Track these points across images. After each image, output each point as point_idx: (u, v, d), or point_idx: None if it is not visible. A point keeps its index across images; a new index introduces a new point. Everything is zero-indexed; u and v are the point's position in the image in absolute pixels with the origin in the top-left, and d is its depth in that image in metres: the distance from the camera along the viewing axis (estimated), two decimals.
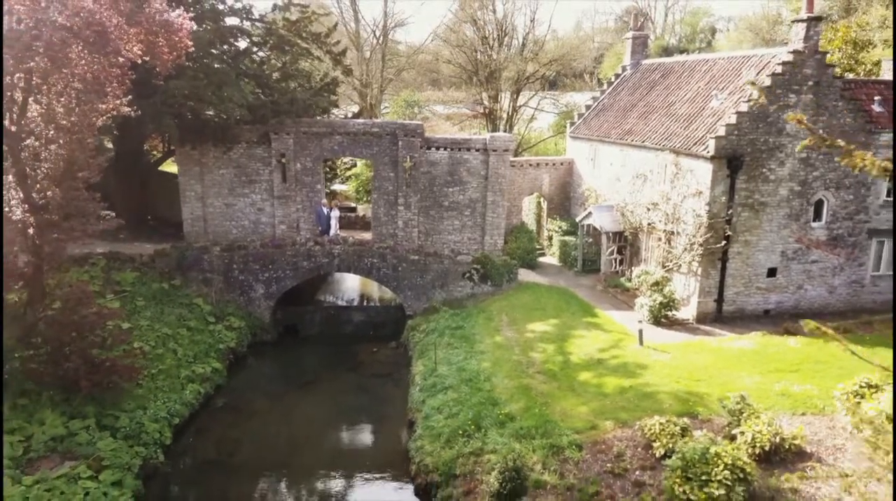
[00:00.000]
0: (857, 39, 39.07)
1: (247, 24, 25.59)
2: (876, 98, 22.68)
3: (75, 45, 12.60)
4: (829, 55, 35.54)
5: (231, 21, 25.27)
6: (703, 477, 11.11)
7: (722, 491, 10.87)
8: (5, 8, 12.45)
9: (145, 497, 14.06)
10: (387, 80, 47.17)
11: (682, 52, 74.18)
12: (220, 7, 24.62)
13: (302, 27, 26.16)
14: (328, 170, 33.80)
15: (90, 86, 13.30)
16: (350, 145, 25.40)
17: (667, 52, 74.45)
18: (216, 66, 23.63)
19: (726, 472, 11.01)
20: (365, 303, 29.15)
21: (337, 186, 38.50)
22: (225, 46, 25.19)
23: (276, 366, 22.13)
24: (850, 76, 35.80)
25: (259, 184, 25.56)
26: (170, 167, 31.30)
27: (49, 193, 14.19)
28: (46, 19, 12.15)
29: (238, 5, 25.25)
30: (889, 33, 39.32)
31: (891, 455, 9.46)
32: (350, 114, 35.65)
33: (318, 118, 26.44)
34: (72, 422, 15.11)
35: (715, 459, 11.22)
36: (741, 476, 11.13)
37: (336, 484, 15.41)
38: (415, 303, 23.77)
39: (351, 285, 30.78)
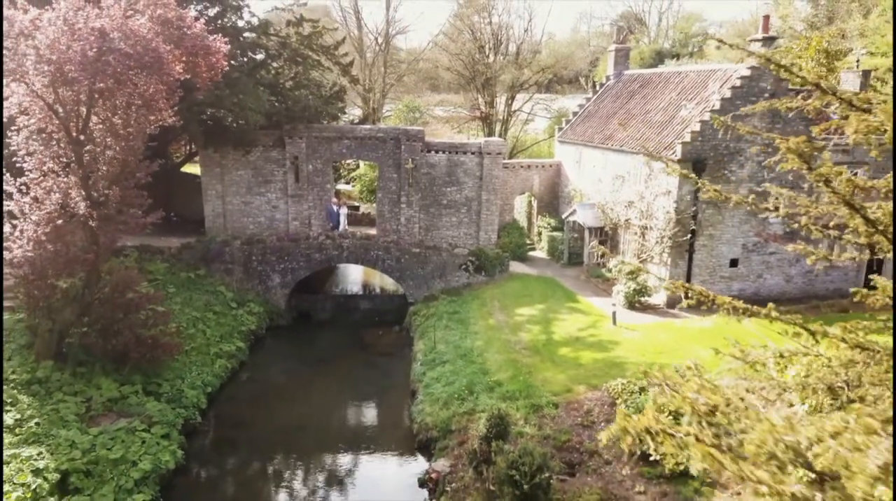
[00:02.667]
0: (830, 49, 41.35)
1: (263, 38, 28.08)
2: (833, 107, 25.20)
3: (136, 68, 15.13)
4: (804, 64, 37.90)
5: (249, 35, 27.79)
6: None
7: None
8: (74, 35, 14.99)
9: (188, 448, 16.61)
10: (388, 86, 49.71)
11: (674, 56, 76.71)
12: (240, 24, 27.16)
13: (313, 41, 28.74)
14: (333, 171, 36.31)
15: (145, 101, 15.84)
16: (357, 149, 27.93)
17: (660, 56, 77.01)
18: (236, 76, 26.10)
19: (670, 417, 13.55)
20: (370, 292, 31.70)
21: (341, 186, 41.00)
22: (244, 58, 27.70)
23: (291, 347, 24.65)
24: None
25: (274, 183, 28.08)
26: (189, 168, 33.83)
27: (107, 192, 16.71)
28: (113, 48, 14.69)
29: (255, 21, 27.81)
30: (869, 41, 41.80)
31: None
32: (356, 120, 38.15)
33: (329, 124, 28.98)
34: (123, 388, 17.65)
35: (661, 407, 13.77)
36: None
37: (346, 443, 17.90)
38: (416, 292, 26.32)
39: (356, 277, 33.34)
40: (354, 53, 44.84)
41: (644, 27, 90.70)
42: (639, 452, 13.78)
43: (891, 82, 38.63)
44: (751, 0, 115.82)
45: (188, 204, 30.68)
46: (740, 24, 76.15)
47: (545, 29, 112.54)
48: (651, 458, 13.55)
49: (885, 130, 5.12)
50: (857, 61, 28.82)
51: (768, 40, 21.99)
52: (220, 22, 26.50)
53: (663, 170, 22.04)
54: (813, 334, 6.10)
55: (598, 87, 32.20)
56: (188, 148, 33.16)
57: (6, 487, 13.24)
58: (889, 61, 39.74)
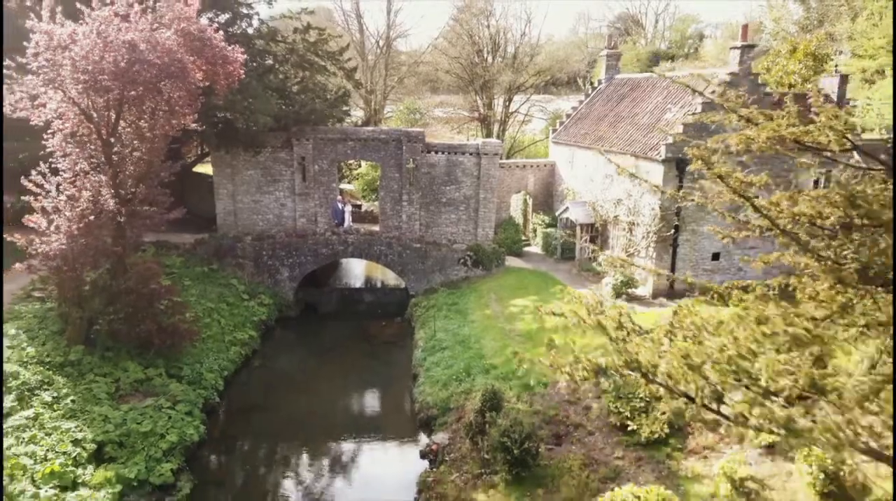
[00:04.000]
0: (817, 53, 42.76)
1: (272, 44, 29.59)
2: (813, 109, 26.81)
3: (163, 77, 16.65)
4: (789, 67, 39.32)
5: (259, 42, 29.29)
6: (629, 396, 15.20)
7: (641, 405, 14.96)
8: (107, 47, 16.47)
9: (208, 424, 18.14)
10: (389, 88, 51.23)
11: (670, 58, 78.22)
12: (250, 31, 28.67)
13: (319, 47, 30.25)
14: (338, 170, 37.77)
15: (170, 107, 17.36)
16: (361, 149, 29.42)
17: (656, 57, 78.52)
18: (246, 81, 27.48)
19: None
20: (372, 286, 33.24)
21: (344, 186, 42.51)
22: (254, 63, 29.13)
23: (300, 336, 26.16)
24: (809, 86, 39.69)
25: (282, 183, 29.56)
26: (200, 169, 35.32)
27: (134, 190, 18.23)
28: (143, 59, 16.20)
29: (265, 29, 29.32)
30: (856, 44, 43.25)
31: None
32: (359, 121, 39.65)
33: (334, 126, 30.49)
34: (147, 370, 19.16)
35: (638, 383, 15.29)
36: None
37: (352, 423, 19.47)
38: (417, 285, 27.84)
39: (359, 271, 34.91)
40: (356, 56, 46.35)
41: (641, 29, 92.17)
42: (618, 424, 15.36)
43: (872, 84, 40.06)
44: (747, 0, 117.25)
45: (200, 202, 32.16)
46: (734, 27, 77.54)
47: (544, 31, 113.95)
48: (629, 429, 15.12)
49: (757, 141, 6.64)
50: (836, 67, 30.29)
51: (746, 48, 23.48)
52: (231, 29, 27.98)
53: (643, 172, 23.55)
54: (720, 295, 7.62)
55: (590, 91, 33.70)
56: (200, 149, 34.66)
57: (50, 455, 14.76)
58: (874, 63, 41.12)
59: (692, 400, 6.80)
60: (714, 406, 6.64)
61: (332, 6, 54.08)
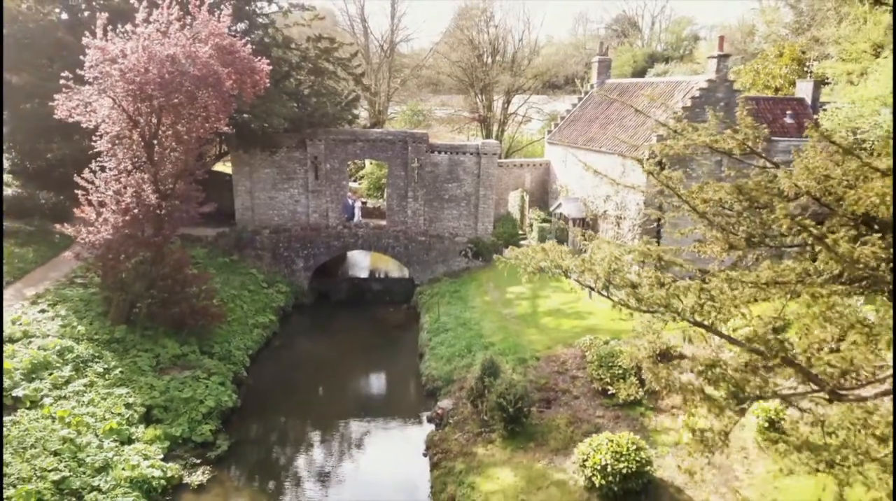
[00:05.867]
0: (801, 58, 44.94)
1: (287, 52, 31.81)
2: (788, 112, 29.16)
3: (202, 86, 18.92)
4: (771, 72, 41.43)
5: (275, 51, 31.50)
6: (610, 365, 17.48)
7: (620, 372, 17.24)
8: (152, 61, 18.73)
9: (238, 394, 20.41)
10: (393, 90, 53.45)
11: (666, 60, 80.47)
12: (267, 41, 30.90)
13: (329, 54, 32.47)
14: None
15: (208, 113, 19.63)
16: (369, 150, 31.67)
17: (652, 59, 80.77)
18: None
19: (625, 360, 17.37)
20: (379, 276, 35.53)
21: (350, 184, 44.74)
22: (271, 70, 31.37)
23: (315, 321, 28.44)
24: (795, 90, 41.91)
25: (296, 180, 31.80)
26: (217, 167, 37.55)
27: (172, 186, 20.50)
28: (184, 70, 18.47)
29: (280, 37, 31.55)
30: (841, 48, 45.46)
31: None
32: (365, 122, 41.87)
33: (344, 128, 32.75)
34: (183, 347, 21.43)
35: (618, 353, 17.60)
36: (634, 363, 17.46)
37: (365, 396, 21.80)
38: (421, 275, 30.10)
39: (366, 263, 37.22)
40: (361, 59, 48.53)
41: (637, 31, 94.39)
42: (600, 389, 17.64)
43: (857, 84, 42.22)
44: (743, 0, 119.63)
45: (218, 198, 34.26)
46: (728, 30, 79.72)
47: (544, 32, 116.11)
48: (609, 393, 17.40)
49: (674, 148, 8.88)
50: (810, 73, 32.52)
51: (723, 57, 25.73)
52: (249, 37, 30.16)
53: (633, 169, 25.79)
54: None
55: (584, 94, 35.95)
56: (219, 149, 36.90)
57: (108, 415, 17.03)
58: (858, 66, 43.25)
59: (592, 288, 10.31)
60: (605, 293, 10.14)
61: (337, 10, 56.38)
